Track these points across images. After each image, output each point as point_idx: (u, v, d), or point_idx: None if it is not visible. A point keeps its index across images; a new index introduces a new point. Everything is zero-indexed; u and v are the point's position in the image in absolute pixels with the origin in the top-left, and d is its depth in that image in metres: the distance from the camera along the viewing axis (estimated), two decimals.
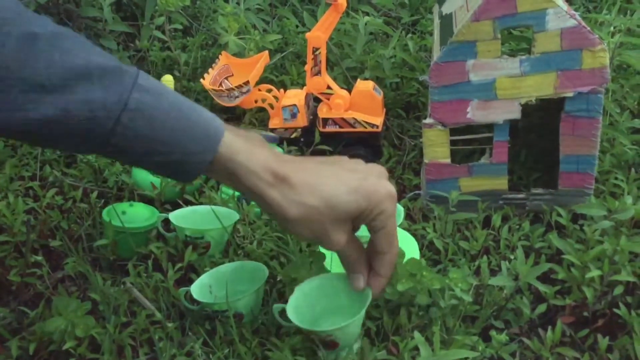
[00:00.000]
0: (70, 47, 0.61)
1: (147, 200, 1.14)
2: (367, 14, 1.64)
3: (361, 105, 1.23)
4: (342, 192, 0.68)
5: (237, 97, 1.30)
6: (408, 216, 1.10)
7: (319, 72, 1.23)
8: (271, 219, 0.76)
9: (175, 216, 1.05)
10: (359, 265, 0.76)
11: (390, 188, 0.70)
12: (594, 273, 0.86)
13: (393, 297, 0.83)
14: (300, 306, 0.83)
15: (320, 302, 0.85)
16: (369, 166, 0.74)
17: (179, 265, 0.97)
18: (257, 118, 1.39)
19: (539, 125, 1.22)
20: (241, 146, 0.67)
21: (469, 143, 1.18)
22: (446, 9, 1.16)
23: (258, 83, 1.32)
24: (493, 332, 0.82)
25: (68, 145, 0.63)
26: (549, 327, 0.84)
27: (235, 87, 1.28)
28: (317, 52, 1.20)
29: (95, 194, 1.15)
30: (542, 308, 0.88)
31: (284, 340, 0.84)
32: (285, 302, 0.85)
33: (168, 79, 1.31)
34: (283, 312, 0.83)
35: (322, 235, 0.70)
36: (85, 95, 0.60)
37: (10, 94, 0.58)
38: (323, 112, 1.24)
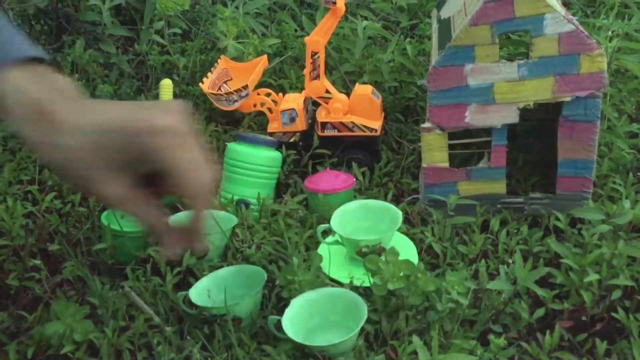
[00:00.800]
0: None
1: None
2: (366, 18, 1.64)
3: (360, 109, 1.24)
4: (111, 128, 0.55)
5: (236, 101, 1.30)
6: (407, 220, 1.10)
7: (317, 76, 1.23)
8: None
9: (173, 220, 1.04)
10: (159, 229, 0.62)
11: (159, 120, 0.55)
12: (592, 277, 0.86)
13: (380, 293, 0.84)
14: (296, 319, 0.84)
15: (315, 316, 0.86)
16: (157, 102, 0.62)
17: (178, 269, 0.97)
18: (256, 122, 1.39)
19: (537, 130, 1.22)
20: (25, 81, 0.56)
21: (467, 147, 1.18)
22: (444, 13, 1.16)
23: (257, 87, 1.33)
24: (491, 336, 0.82)
25: None
26: (547, 331, 0.84)
27: (234, 91, 1.28)
28: (315, 56, 1.21)
29: (93, 198, 1.15)
30: (540, 312, 0.88)
31: (280, 347, 0.84)
32: (284, 306, 0.85)
33: (167, 83, 1.31)
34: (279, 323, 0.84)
35: (87, 184, 0.57)
36: None
37: None
38: (322, 116, 1.25)
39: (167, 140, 0.55)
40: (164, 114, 0.56)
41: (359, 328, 0.81)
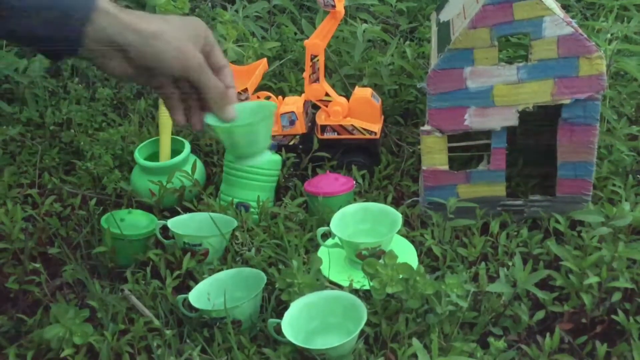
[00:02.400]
0: None
1: (146, 208, 1.14)
2: (365, 21, 1.64)
3: (359, 112, 1.24)
4: (176, 18, 0.79)
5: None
6: (406, 223, 1.10)
7: (317, 80, 1.23)
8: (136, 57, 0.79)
9: (173, 223, 1.05)
10: (227, 93, 0.82)
11: (194, 21, 0.81)
12: (592, 280, 0.86)
13: (379, 297, 0.84)
14: (295, 322, 0.84)
15: (315, 319, 0.86)
16: None
17: (177, 272, 0.97)
18: None
19: (537, 132, 1.22)
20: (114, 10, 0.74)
21: (467, 150, 1.18)
22: (444, 16, 1.16)
23: (257, 90, 1.33)
24: (491, 339, 0.82)
25: None
26: (547, 334, 0.84)
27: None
28: (315, 60, 1.21)
29: (93, 201, 1.15)
30: (540, 315, 0.88)
31: (280, 349, 0.84)
32: (283, 309, 0.85)
33: None
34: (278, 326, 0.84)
35: (183, 46, 0.77)
36: None
37: None
38: (321, 119, 1.25)
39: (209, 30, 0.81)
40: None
41: (358, 331, 0.80)
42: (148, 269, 0.99)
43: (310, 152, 1.24)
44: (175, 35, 0.77)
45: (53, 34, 0.73)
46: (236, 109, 0.84)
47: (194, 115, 0.83)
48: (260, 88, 1.38)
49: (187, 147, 1.22)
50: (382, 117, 1.28)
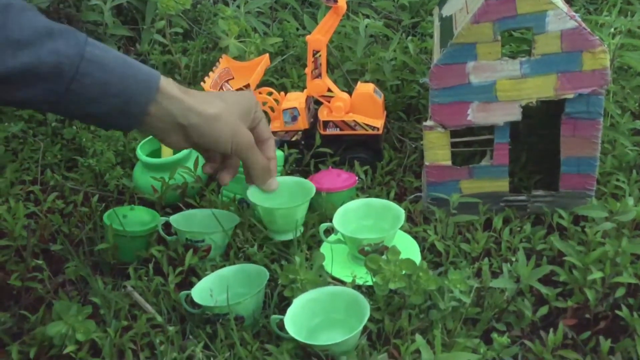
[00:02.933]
0: (35, 15, 0.76)
1: (148, 204, 1.14)
2: (368, 16, 1.64)
3: (362, 107, 1.23)
4: (228, 96, 0.90)
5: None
6: (409, 218, 1.10)
7: (319, 75, 1.23)
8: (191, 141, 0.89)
9: (175, 219, 1.05)
10: (270, 168, 0.94)
11: (244, 97, 0.92)
12: (596, 275, 0.86)
13: (382, 293, 0.83)
14: (298, 318, 0.84)
15: (317, 315, 0.86)
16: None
17: (180, 268, 0.97)
18: None
19: (540, 127, 1.22)
20: (168, 82, 0.84)
21: (470, 145, 1.18)
22: (446, 11, 1.16)
23: (259, 86, 1.32)
24: (494, 335, 0.82)
25: (36, 95, 0.75)
26: (551, 330, 0.84)
27: (236, 90, 1.28)
28: (317, 55, 1.20)
29: (96, 197, 1.15)
30: (543, 310, 0.88)
31: (282, 346, 0.84)
32: (286, 305, 0.85)
33: None
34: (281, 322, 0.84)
35: (236, 127, 0.86)
36: (51, 47, 0.74)
37: None
38: (324, 114, 1.24)
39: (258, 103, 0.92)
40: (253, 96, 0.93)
41: (361, 327, 0.80)
42: (150, 266, 0.99)
43: (312, 148, 1.24)
44: (231, 117, 0.85)
45: (115, 118, 0.81)
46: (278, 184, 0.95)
47: (226, 174, 0.95)
48: (262, 84, 1.38)
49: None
50: (385, 112, 1.28)
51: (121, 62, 0.79)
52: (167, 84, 0.82)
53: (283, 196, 0.98)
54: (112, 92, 0.77)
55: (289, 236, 0.91)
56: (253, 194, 0.95)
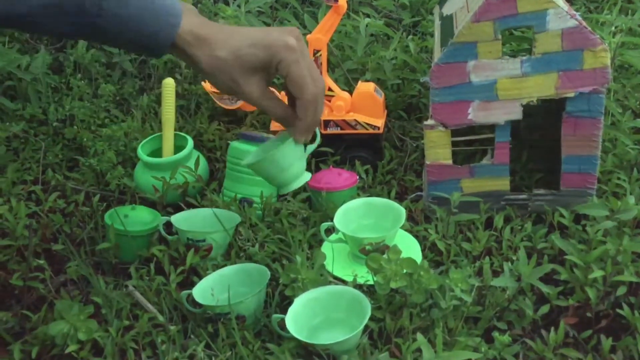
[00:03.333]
0: None
1: (149, 204, 1.14)
2: (368, 15, 1.64)
3: (362, 107, 1.23)
4: (245, 45, 0.79)
5: (238, 100, 1.30)
6: (410, 217, 1.10)
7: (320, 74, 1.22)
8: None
9: (177, 219, 1.05)
10: (288, 118, 0.83)
11: (291, 40, 0.79)
12: (597, 274, 0.86)
13: (383, 292, 0.84)
14: (299, 317, 0.84)
15: (318, 314, 0.86)
16: (281, 28, 0.84)
17: (181, 268, 0.97)
18: (259, 120, 1.39)
19: (541, 126, 1.22)
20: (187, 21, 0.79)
21: (471, 144, 1.18)
22: (447, 10, 1.15)
23: None
24: (496, 333, 0.82)
25: (61, 26, 0.75)
26: (552, 328, 0.84)
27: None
28: (318, 54, 1.21)
29: (97, 197, 1.15)
30: (545, 309, 0.88)
31: (284, 345, 0.84)
32: (287, 304, 0.85)
33: (169, 83, 1.31)
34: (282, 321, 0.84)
35: (233, 85, 0.80)
36: None
37: None
38: (324, 113, 1.24)
39: (295, 54, 0.78)
40: (291, 35, 0.79)
41: (362, 326, 0.80)
42: (152, 265, 0.99)
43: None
44: (229, 71, 0.79)
45: (143, 48, 0.79)
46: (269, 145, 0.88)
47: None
48: None
49: (190, 143, 1.22)
50: (385, 111, 1.28)
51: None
52: (187, 23, 0.79)
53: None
54: (135, 27, 0.77)
55: (294, 186, 0.85)
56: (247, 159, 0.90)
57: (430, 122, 1.04)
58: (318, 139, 0.88)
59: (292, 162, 0.84)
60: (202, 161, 1.22)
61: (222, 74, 0.80)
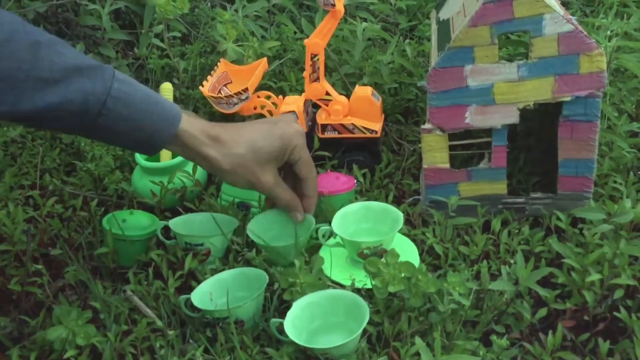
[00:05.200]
0: (63, 50, 0.79)
1: (147, 208, 1.14)
2: (365, 20, 1.64)
3: (360, 111, 1.24)
4: (260, 138, 0.87)
5: (236, 104, 1.30)
6: (408, 221, 1.10)
7: (317, 79, 1.23)
8: (214, 175, 1.00)
9: (175, 223, 1.05)
10: (294, 204, 0.95)
11: (297, 127, 0.91)
12: (594, 277, 0.86)
13: (381, 296, 0.84)
14: (298, 321, 0.84)
15: (317, 319, 0.87)
16: (279, 117, 0.96)
17: (180, 272, 0.97)
18: None
19: (538, 130, 1.22)
20: (189, 120, 0.86)
21: (468, 148, 1.18)
22: (443, 14, 1.16)
23: (257, 90, 1.33)
24: (494, 337, 0.82)
25: (65, 127, 0.81)
26: (550, 332, 0.84)
27: (234, 94, 1.29)
28: (315, 59, 1.21)
29: (95, 202, 1.15)
30: (542, 312, 0.88)
31: (282, 349, 0.84)
32: (286, 309, 0.85)
33: (167, 87, 1.31)
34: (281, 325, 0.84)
35: (253, 178, 0.88)
36: (78, 85, 0.77)
37: (23, 89, 0.75)
38: (322, 118, 1.25)
39: (303, 139, 0.92)
40: (294, 122, 0.92)
41: (361, 330, 0.81)
42: (150, 270, 0.99)
43: (310, 151, 1.24)
44: (249, 167, 0.87)
45: (140, 148, 0.86)
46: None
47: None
48: (260, 87, 1.38)
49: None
50: (383, 115, 1.28)
51: (146, 97, 0.83)
52: (188, 124, 0.85)
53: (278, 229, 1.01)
54: (136, 126, 0.82)
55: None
56: (252, 232, 0.99)
57: (427, 126, 1.04)
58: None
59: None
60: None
61: (243, 169, 0.87)
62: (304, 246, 0.98)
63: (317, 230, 1.02)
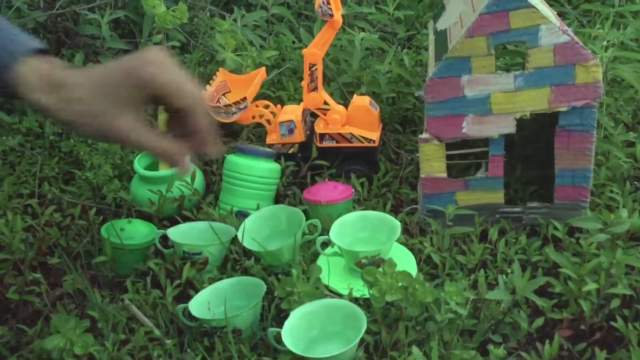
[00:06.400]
0: None
1: (146, 217, 1.14)
2: (363, 29, 1.65)
3: (358, 120, 1.24)
4: (108, 77, 0.68)
5: (235, 113, 1.30)
6: (405, 230, 1.10)
7: (315, 88, 1.24)
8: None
9: (173, 232, 1.05)
10: (169, 151, 0.73)
11: (156, 54, 0.69)
12: (591, 286, 0.86)
13: (379, 305, 0.84)
14: (295, 330, 0.84)
15: (315, 328, 0.87)
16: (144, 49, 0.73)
17: (178, 281, 0.97)
18: (255, 134, 1.40)
19: (534, 140, 1.23)
20: (35, 62, 0.69)
21: (465, 157, 1.19)
22: (441, 25, 1.17)
23: (255, 99, 1.33)
24: (491, 346, 0.82)
25: None
26: (547, 341, 0.84)
27: (233, 103, 1.29)
28: (313, 68, 1.22)
29: (93, 211, 1.15)
30: (539, 322, 0.89)
31: (280, 358, 0.84)
32: (283, 318, 0.85)
33: None
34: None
35: (103, 127, 0.69)
36: None
37: None
38: (320, 127, 1.25)
39: (158, 67, 0.68)
40: (150, 51, 0.69)
41: (358, 339, 0.81)
42: (148, 279, 0.99)
43: (309, 161, 1.25)
44: (96, 112, 0.68)
45: None
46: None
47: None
48: (258, 97, 1.39)
49: (187, 156, 1.22)
50: (381, 125, 1.29)
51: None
52: (30, 65, 0.69)
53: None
54: None
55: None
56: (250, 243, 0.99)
57: (425, 135, 1.05)
58: None
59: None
60: (199, 174, 1.23)
61: (88, 118, 0.68)
62: (297, 246, 0.98)
63: (315, 240, 1.03)
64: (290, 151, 1.26)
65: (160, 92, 0.69)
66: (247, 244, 1.00)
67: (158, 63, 0.69)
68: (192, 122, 0.71)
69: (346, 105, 1.27)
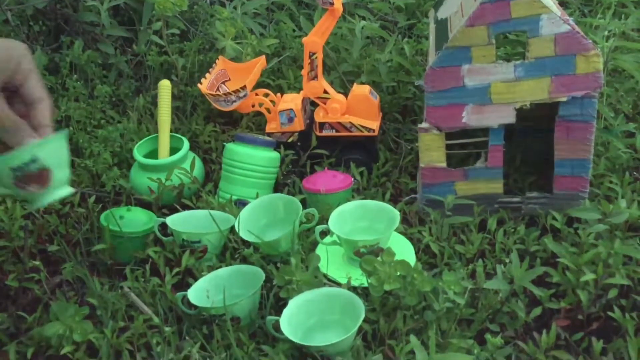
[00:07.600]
0: None
1: (145, 205, 1.14)
2: (364, 18, 1.64)
3: (358, 109, 1.24)
4: None
5: (234, 101, 1.30)
6: (404, 220, 1.10)
7: (315, 77, 1.23)
8: None
9: (172, 220, 1.05)
10: (22, 127, 0.72)
11: (19, 43, 0.72)
12: (589, 276, 0.87)
13: (377, 294, 0.84)
14: (294, 319, 0.85)
15: (313, 316, 0.87)
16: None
17: (177, 269, 0.97)
18: (255, 122, 1.40)
19: (534, 130, 1.22)
20: None
21: (465, 147, 1.19)
22: (441, 13, 1.16)
23: (255, 87, 1.33)
24: (488, 336, 0.83)
25: None
26: (544, 331, 0.85)
27: (233, 91, 1.29)
28: (313, 57, 1.21)
29: (93, 198, 1.15)
30: (537, 311, 0.89)
31: (278, 346, 0.84)
32: (282, 306, 0.86)
33: (165, 84, 1.31)
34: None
35: None
36: None
37: None
38: (320, 116, 1.25)
39: (27, 57, 0.71)
40: (16, 41, 0.72)
41: (356, 328, 0.81)
42: (147, 266, 0.99)
43: (308, 149, 1.25)
44: None
45: None
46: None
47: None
48: (258, 85, 1.39)
49: (186, 144, 1.22)
50: (380, 114, 1.28)
51: None
52: None
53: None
54: None
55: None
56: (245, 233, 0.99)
57: (424, 125, 1.05)
58: None
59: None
60: (198, 163, 1.23)
61: None
62: (295, 234, 0.98)
63: (314, 229, 1.03)
64: (289, 140, 1.26)
65: (21, 83, 0.71)
66: (244, 235, 1.00)
67: (22, 52, 0.71)
68: (40, 113, 0.73)
69: (346, 94, 1.27)
